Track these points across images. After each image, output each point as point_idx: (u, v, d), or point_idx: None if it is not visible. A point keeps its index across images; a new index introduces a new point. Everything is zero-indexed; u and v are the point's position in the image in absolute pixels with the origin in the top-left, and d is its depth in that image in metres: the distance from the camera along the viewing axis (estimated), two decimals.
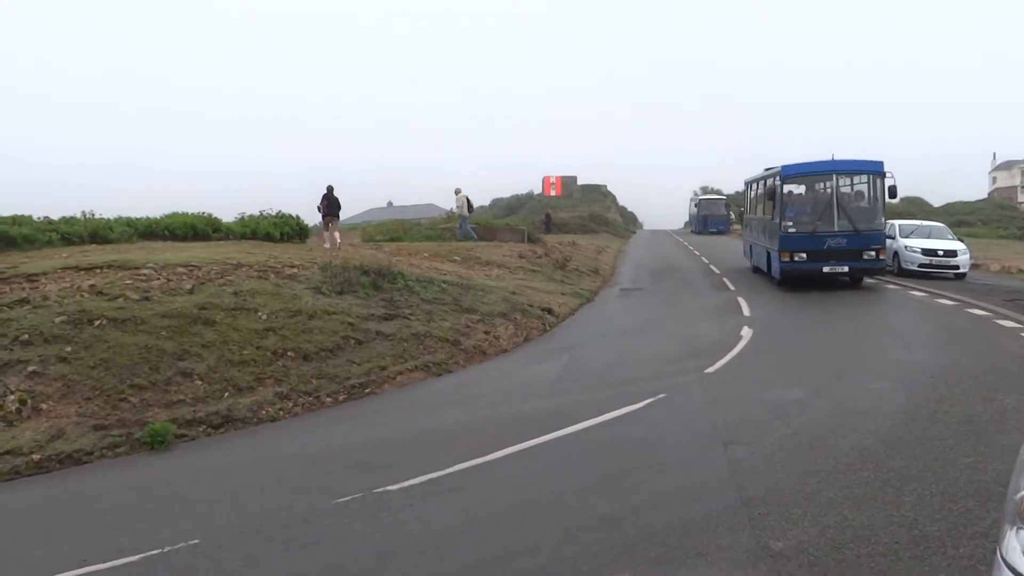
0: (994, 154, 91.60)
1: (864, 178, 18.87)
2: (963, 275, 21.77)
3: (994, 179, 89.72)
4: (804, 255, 18.27)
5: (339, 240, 22.32)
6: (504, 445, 7.14)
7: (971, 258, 23.28)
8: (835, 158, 19.07)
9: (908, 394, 8.07)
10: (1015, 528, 2.00)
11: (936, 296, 17.00)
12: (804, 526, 4.67)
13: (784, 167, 19.24)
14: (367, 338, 11.80)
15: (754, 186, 24.03)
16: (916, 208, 52.66)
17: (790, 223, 18.67)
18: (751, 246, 24.49)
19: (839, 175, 18.68)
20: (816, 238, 18.18)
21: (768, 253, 20.54)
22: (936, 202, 64.19)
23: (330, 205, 22.45)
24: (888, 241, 20.93)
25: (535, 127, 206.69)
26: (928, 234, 23.22)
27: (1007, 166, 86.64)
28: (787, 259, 18.46)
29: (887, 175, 18.02)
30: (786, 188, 19.43)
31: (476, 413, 8.95)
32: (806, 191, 20.47)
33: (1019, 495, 2.03)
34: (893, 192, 18.01)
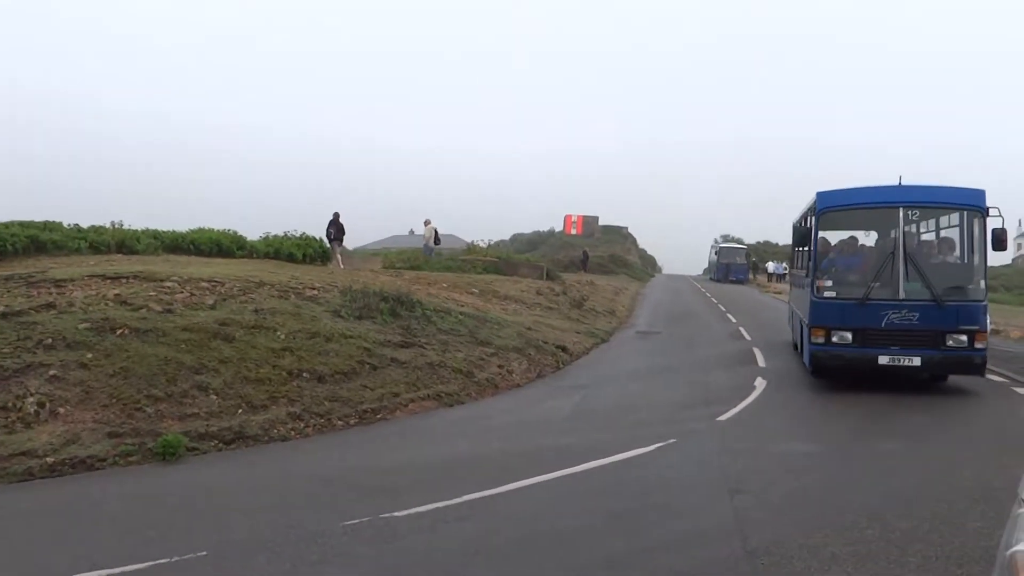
0: (1020, 221, 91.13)
1: (953, 217, 12.42)
2: None
3: (1020, 246, 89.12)
4: (849, 335, 11.65)
5: (341, 263, 23.96)
6: (513, 479, 7.18)
7: (992, 323, 23.09)
8: (904, 183, 12.17)
9: (921, 455, 8.04)
10: None
11: None
12: None
13: (821, 194, 12.43)
14: (382, 364, 11.90)
15: (797, 227, 14.96)
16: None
17: (828, 283, 12.12)
18: (792, 313, 17.47)
19: (909, 208, 11.86)
20: (869, 309, 11.50)
21: (802, 326, 14.05)
22: None
23: (337, 231, 24.52)
24: None
25: (557, 163, 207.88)
26: None
27: None
28: (820, 339, 11.83)
29: (990, 211, 11.49)
30: (823, 228, 12.58)
31: (486, 446, 8.99)
32: (856, 234, 14.30)
33: (1010, 551, 2.08)
34: (1001, 241, 11.25)
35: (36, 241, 15.96)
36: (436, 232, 30.03)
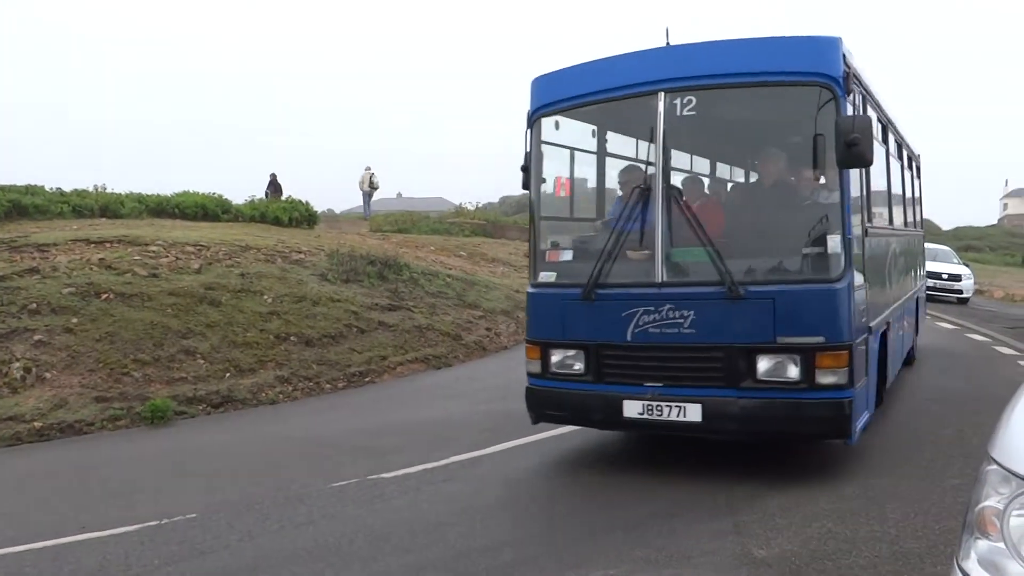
0: (1006, 180, 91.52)
1: (774, 105, 6.17)
2: (966, 300, 21.84)
3: (1005, 205, 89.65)
4: (575, 358, 6.20)
5: None
6: (500, 440, 7.25)
7: (975, 284, 23.35)
8: (674, 44, 6.16)
9: (901, 413, 8.16)
10: (973, 538, 2.11)
11: (937, 320, 17.06)
12: (788, 535, 4.77)
13: (539, 82, 6.56)
14: (370, 327, 11.92)
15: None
16: (925, 230, 52.58)
17: (550, 259, 6.72)
18: None
19: (677, 93, 5.83)
20: (602, 308, 5.99)
21: None
22: (945, 225, 64.25)
23: (275, 191, 25.01)
24: None
25: None
26: (933, 256, 23.30)
27: (1019, 193, 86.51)
28: (536, 366, 6.45)
29: (852, 82, 5.69)
30: (547, 145, 6.70)
31: (474, 408, 9.06)
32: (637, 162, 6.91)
33: (978, 507, 2.12)
34: (854, 144, 5.23)
35: (18, 205, 15.76)
36: (372, 178, 27.74)
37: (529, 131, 6.61)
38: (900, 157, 9.74)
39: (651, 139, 5.89)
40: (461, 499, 5.83)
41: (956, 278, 21.81)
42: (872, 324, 6.35)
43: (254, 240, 14.73)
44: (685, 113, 5.84)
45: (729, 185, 8.71)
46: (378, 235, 23.48)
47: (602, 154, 7.26)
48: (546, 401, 6.44)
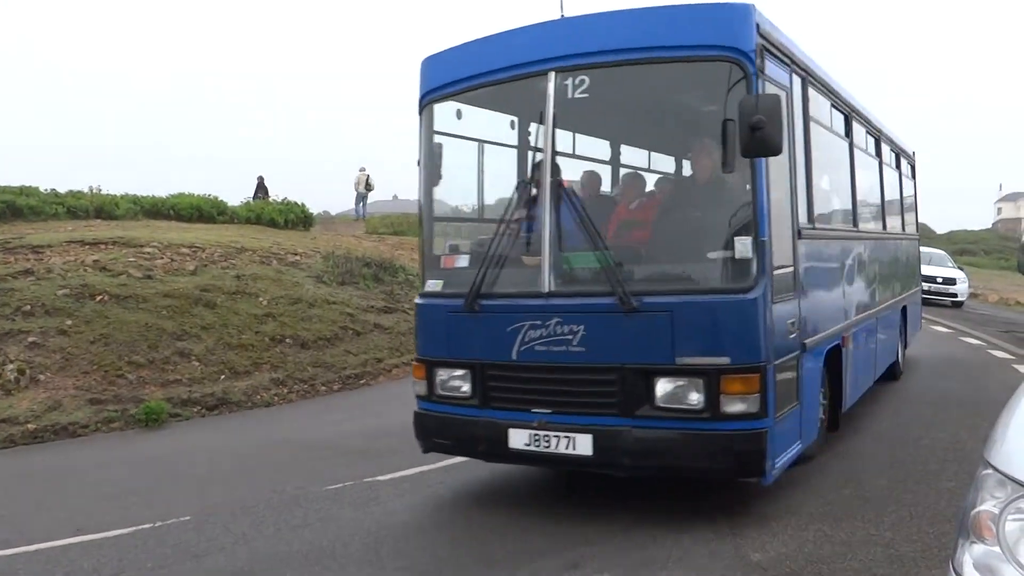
0: (1000, 184, 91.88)
1: (682, 85, 5.26)
2: (960, 303, 21.91)
3: (999, 209, 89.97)
4: (462, 379, 5.37)
5: None
6: None
7: (970, 287, 23.42)
8: (568, 16, 5.37)
9: (897, 417, 8.17)
10: (968, 542, 2.11)
11: (932, 323, 17.10)
12: (783, 539, 4.77)
13: (429, 63, 5.76)
14: (365, 329, 11.92)
15: None
16: (920, 234, 52.75)
17: (441, 264, 5.95)
18: None
19: (569, 72, 5.01)
20: (487, 321, 5.20)
21: None
22: (940, 229, 64.47)
23: (264, 194, 25.13)
24: None
25: None
26: (928, 260, 23.36)
27: (1013, 197, 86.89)
28: (423, 387, 5.58)
29: (767, 58, 4.86)
30: (440, 135, 5.83)
31: None
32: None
33: (974, 511, 2.13)
34: (764, 136, 4.35)
35: (12, 206, 15.72)
36: (368, 179, 28.20)
37: (420, 119, 5.81)
38: (878, 154, 9.12)
39: (540, 126, 5.14)
40: (457, 501, 5.82)
41: (951, 282, 21.88)
42: (809, 341, 5.50)
43: (249, 242, 14.71)
44: (577, 96, 5.03)
45: (621, 176, 6.95)
46: (374, 237, 23.47)
47: (496, 144, 6.25)
48: (432, 428, 5.58)
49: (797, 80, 5.62)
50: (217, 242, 14.08)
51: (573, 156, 6.09)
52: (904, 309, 10.32)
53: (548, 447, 4.95)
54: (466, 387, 5.35)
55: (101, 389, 8.91)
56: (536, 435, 4.98)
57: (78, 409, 8.52)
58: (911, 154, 11.77)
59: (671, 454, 4.75)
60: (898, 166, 10.59)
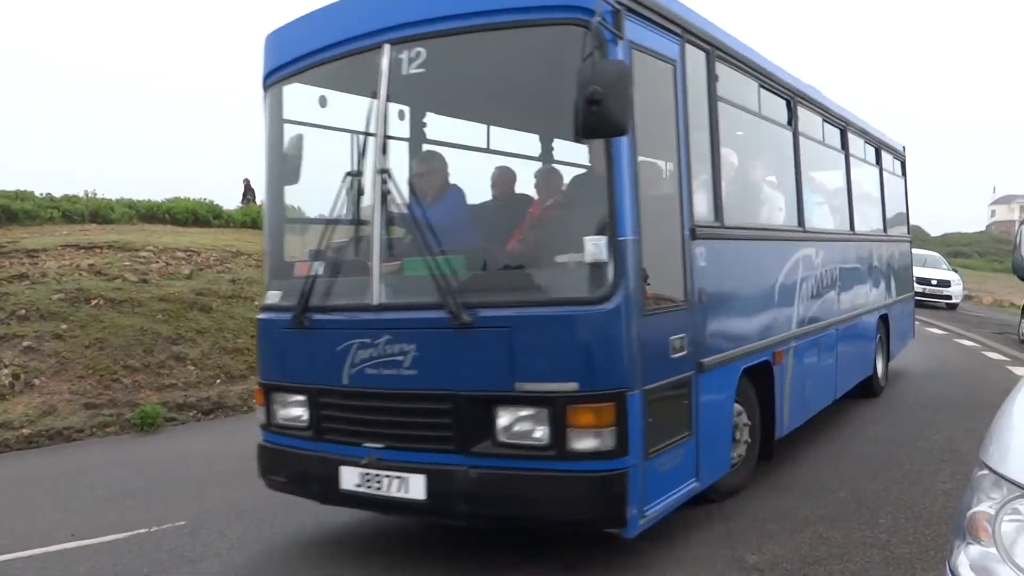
0: (994, 187, 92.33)
1: (519, 44, 4.27)
2: (955, 305, 22.00)
3: (993, 212, 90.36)
4: (300, 407, 4.62)
5: None
6: None
7: (964, 289, 23.51)
8: None
9: (893, 419, 8.19)
10: (964, 543, 2.12)
11: (927, 325, 17.15)
12: (779, 541, 4.78)
13: (272, 39, 5.04)
14: None
15: None
16: (913, 236, 52.96)
17: (296, 272, 4.80)
18: None
19: (403, 44, 4.28)
20: (317, 338, 4.50)
21: None
22: (934, 231, 64.67)
23: (253, 196, 24.37)
24: None
25: None
26: (923, 263, 23.45)
27: (1007, 200, 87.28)
28: (263, 416, 4.88)
29: (624, 18, 4.02)
30: (290, 122, 5.10)
31: None
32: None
33: (970, 512, 2.13)
34: (603, 112, 3.59)
35: (7, 211, 15.70)
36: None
37: (264, 103, 5.05)
38: (844, 147, 8.21)
39: (373, 107, 4.37)
40: None
41: (945, 284, 21.97)
42: (709, 360, 4.74)
43: (245, 245, 14.70)
44: (413, 71, 4.28)
45: (535, 172, 5.61)
46: None
47: (340, 131, 5.02)
48: (267, 463, 4.89)
49: (696, 54, 4.92)
50: (212, 246, 14.07)
51: (423, 141, 5.35)
52: (885, 318, 9.45)
53: (380, 489, 4.19)
54: (304, 415, 4.59)
55: (96, 393, 8.88)
56: (367, 474, 4.22)
57: (73, 414, 8.50)
58: (899, 150, 10.95)
59: (515, 500, 3.95)
60: (878, 161, 9.76)
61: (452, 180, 4.94)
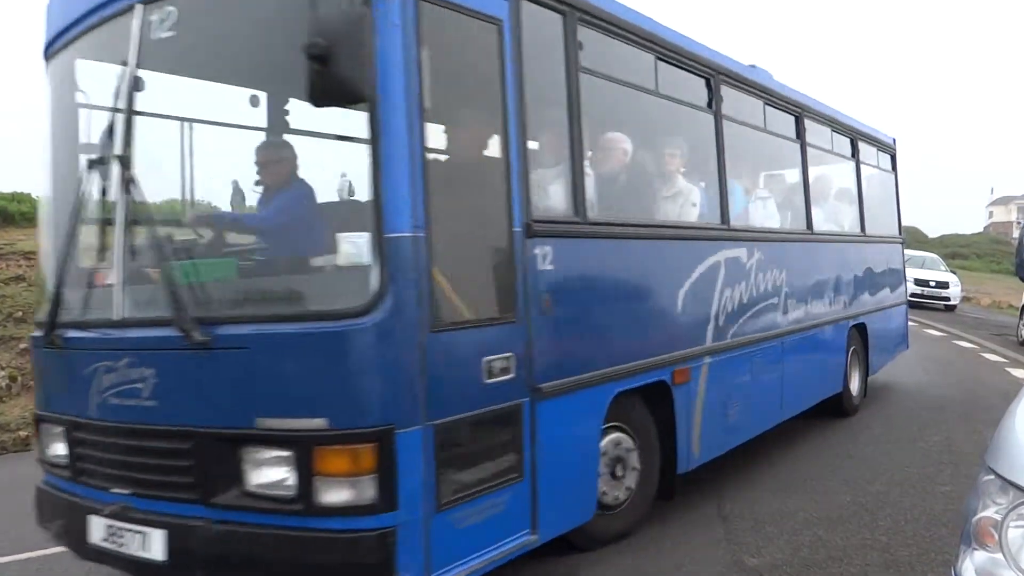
0: (992, 188, 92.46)
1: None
2: (953, 307, 22.02)
3: (991, 213, 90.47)
4: (58, 438, 3.92)
5: None
6: None
7: (963, 291, 23.53)
8: None
9: (892, 421, 8.18)
10: (970, 549, 2.10)
11: (925, 327, 17.17)
12: (779, 544, 4.76)
13: (53, 5, 4.19)
14: None
15: None
16: (911, 237, 53.00)
17: (95, 281, 3.86)
18: None
19: (160, 2, 3.47)
20: (68, 361, 3.79)
21: None
22: (932, 233, 64.74)
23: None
24: None
25: None
26: (921, 264, 23.47)
27: (1004, 201, 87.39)
28: (38, 453, 4.26)
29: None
30: (60, 100, 4.19)
31: None
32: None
33: (976, 517, 2.12)
34: (330, 73, 2.86)
35: (4, 213, 15.65)
36: (350, 184, 26.32)
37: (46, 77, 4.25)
38: (799, 137, 7.24)
39: (120, 80, 3.57)
40: None
41: (944, 285, 21.98)
42: (551, 385, 3.91)
43: None
44: (164, 35, 3.51)
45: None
46: None
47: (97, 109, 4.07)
48: (40, 508, 4.14)
49: (543, 14, 4.07)
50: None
51: (287, 131, 4.57)
52: (862, 327, 8.42)
53: (123, 545, 3.46)
54: (64, 451, 3.87)
55: None
56: (111, 527, 3.50)
57: None
58: (888, 143, 9.74)
59: (259, 564, 3.19)
60: (855, 155, 8.60)
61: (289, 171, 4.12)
